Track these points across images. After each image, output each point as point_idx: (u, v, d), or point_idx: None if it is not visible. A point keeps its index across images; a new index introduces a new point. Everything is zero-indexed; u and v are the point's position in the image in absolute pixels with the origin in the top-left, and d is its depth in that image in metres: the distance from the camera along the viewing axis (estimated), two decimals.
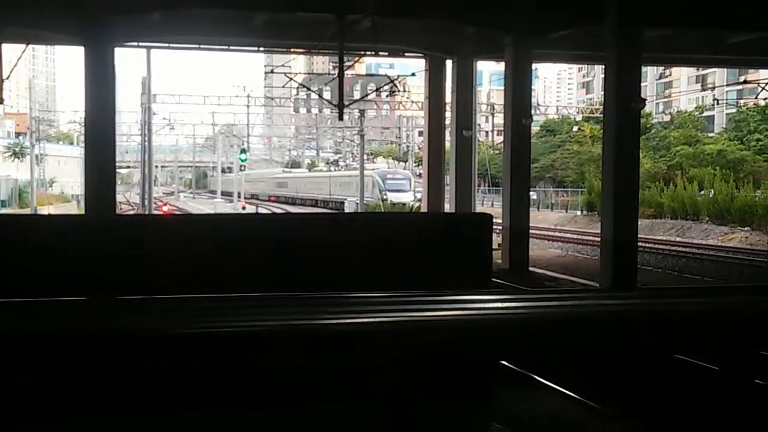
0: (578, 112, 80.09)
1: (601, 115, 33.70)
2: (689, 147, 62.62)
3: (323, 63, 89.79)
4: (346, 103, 28.51)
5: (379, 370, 3.87)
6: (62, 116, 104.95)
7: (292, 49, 33.45)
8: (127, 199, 66.84)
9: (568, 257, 32.74)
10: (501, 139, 40.20)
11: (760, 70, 44.36)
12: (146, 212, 38.37)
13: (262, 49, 32.06)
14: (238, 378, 3.90)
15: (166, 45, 28.53)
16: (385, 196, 58.41)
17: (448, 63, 29.47)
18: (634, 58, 20.42)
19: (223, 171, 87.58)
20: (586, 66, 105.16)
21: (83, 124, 24.96)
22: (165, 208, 54.39)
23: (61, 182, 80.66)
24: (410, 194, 57.88)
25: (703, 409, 10.97)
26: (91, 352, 1.93)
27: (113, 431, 4.15)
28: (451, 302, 0.92)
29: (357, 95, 51.28)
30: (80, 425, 4.10)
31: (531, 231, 28.49)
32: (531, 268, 25.65)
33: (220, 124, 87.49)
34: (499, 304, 0.89)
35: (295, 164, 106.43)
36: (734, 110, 68.47)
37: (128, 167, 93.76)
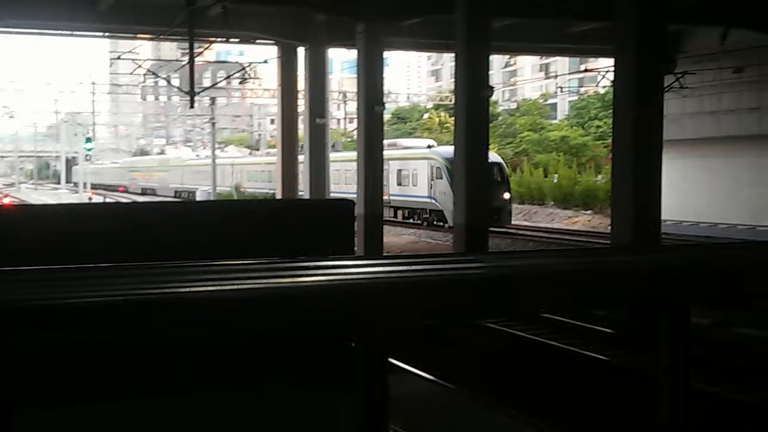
0: (429, 100, 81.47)
1: (450, 103, 34.19)
2: (534, 133, 64.68)
3: (171, 49, 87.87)
4: (197, 90, 28.01)
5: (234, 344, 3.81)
6: None
7: (139, 35, 32.55)
8: None
9: (421, 243, 33.28)
10: (353, 126, 40.42)
11: (600, 59, 46.19)
12: None
13: (107, 34, 31.09)
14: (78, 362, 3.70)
15: (5, 29, 27.26)
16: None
17: (301, 50, 29.39)
18: (483, 47, 20.92)
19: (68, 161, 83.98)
20: (435, 54, 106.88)
21: None
22: (6, 200, 52.07)
23: None
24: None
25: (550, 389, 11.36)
26: None
27: None
28: (320, 267, 0.86)
29: (207, 82, 50.41)
30: None
31: (385, 217, 28.83)
32: (385, 255, 25.96)
33: (63, 112, 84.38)
34: (368, 269, 0.85)
35: (143, 153, 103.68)
36: (576, 98, 71.09)
37: None
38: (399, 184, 38.93)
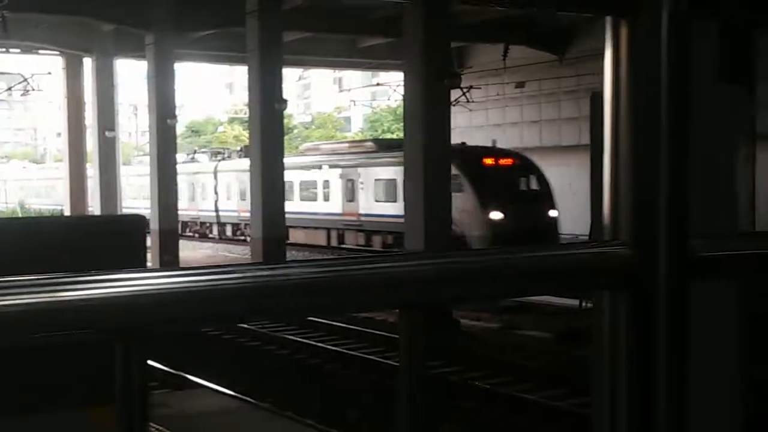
0: (224, 113, 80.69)
1: (245, 116, 34.01)
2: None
3: None
4: None
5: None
6: None
7: None
8: None
9: (219, 256, 32.91)
10: (146, 139, 39.46)
11: (391, 72, 47.34)
12: None
13: None
14: None
15: None
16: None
17: (88, 61, 28.44)
18: (276, 60, 21.01)
19: None
20: (229, 67, 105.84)
21: None
22: None
23: None
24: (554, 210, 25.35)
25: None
26: None
27: None
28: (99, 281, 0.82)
29: None
30: None
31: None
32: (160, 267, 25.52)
33: None
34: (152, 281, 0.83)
35: None
36: (369, 111, 72.56)
37: None
38: (377, 200, 28.29)
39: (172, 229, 25.23)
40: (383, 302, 0.82)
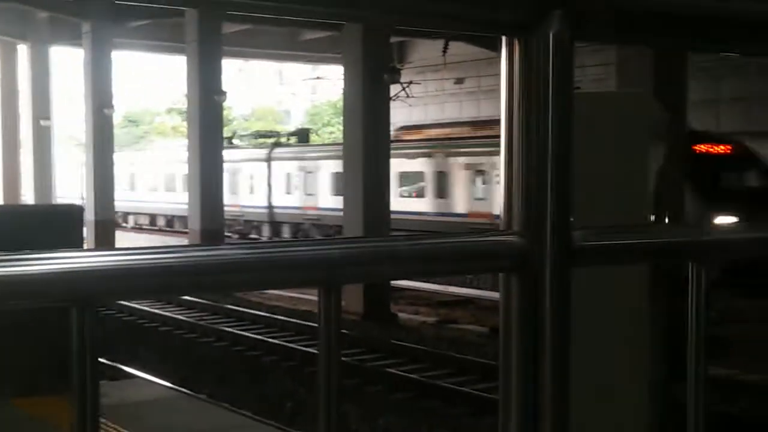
0: (170, 104, 79.81)
1: (184, 107, 33.76)
2: (269, 139, 65.22)
3: None
4: None
5: None
6: None
7: None
8: None
9: None
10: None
11: (332, 66, 47.31)
12: None
13: None
14: None
15: None
16: None
17: (22, 48, 28.01)
18: (215, 51, 20.93)
19: None
20: (170, 57, 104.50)
21: None
22: None
23: None
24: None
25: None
26: None
27: None
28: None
29: None
30: None
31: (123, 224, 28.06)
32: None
33: None
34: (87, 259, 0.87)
35: None
36: (310, 104, 72.43)
37: None
38: None
39: (108, 220, 25.03)
40: (301, 281, 0.92)
